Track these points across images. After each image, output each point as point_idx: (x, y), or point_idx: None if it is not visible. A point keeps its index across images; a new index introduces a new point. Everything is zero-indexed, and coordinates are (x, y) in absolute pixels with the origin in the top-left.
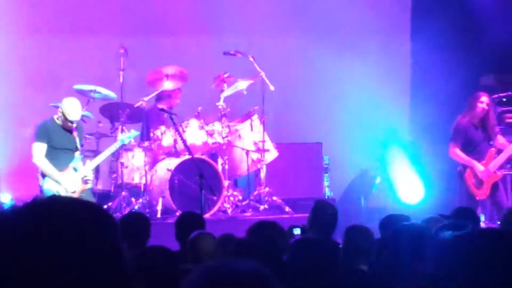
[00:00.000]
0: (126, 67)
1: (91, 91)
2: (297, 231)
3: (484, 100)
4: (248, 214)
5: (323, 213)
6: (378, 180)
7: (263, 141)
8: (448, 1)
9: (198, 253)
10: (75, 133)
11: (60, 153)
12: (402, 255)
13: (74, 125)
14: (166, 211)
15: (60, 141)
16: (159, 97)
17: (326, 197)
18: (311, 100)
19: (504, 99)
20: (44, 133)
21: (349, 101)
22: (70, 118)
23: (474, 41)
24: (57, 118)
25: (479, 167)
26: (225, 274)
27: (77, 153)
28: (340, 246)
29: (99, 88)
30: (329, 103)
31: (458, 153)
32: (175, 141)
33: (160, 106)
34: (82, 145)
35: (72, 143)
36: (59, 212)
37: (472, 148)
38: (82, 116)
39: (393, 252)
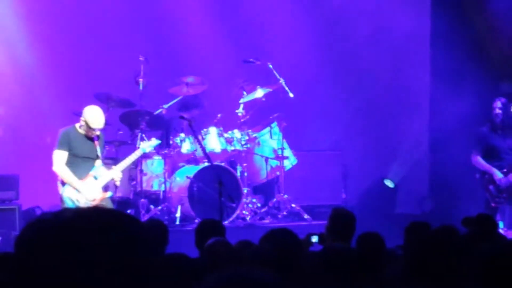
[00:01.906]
0: (146, 75)
1: (111, 99)
2: (315, 239)
3: (496, 105)
4: (267, 221)
5: (340, 220)
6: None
7: (282, 148)
8: (467, 8)
9: (215, 260)
10: (96, 142)
11: (81, 161)
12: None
13: (98, 133)
14: (185, 218)
15: (82, 149)
16: (183, 106)
17: (345, 204)
18: (331, 108)
19: None
20: (65, 141)
21: (368, 109)
22: (93, 126)
23: (493, 48)
24: (80, 127)
25: (498, 174)
26: (240, 282)
27: (97, 162)
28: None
29: (119, 96)
30: (348, 111)
31: (478, 161)
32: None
33: (181, 114)
34: (102, 153)
35: (93, 151)
36: (103, 223)
37: (494, 155)
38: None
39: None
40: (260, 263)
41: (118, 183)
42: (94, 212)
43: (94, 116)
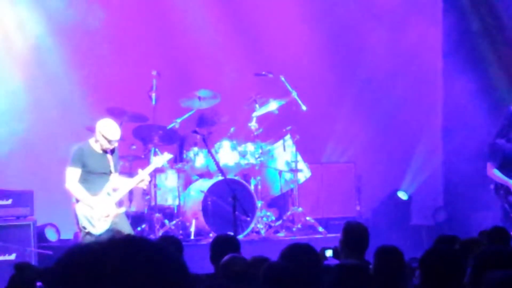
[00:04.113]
0: (158, 89)
1: (123, 113)
2: (329, 253)
3: None
4: (281, 234)
5: (354, 234)
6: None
7: (296, 161)
8: (481, 21)
9: (230, 277)
10: (109, 156)
11: (95, 177)
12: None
13: (116, 144)
14: (199, 232)
15: (96, 165)
16: (201, 121)
17: (359, 216)
18: (344, 120)
19: None
20: (79, 158)
21: (382, 121)
22: (110, 138)
23: (506, 58)
24: (96, 141)
25: None
26: None
27: (113, 176)
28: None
29: (131, 110)
30: (362, 123)
31: (495, 173)
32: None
33: (196, 129)
34: (117, 167)
35: (107, 167)
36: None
37: (511, 167)
38: None
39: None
40: (277, 279)
41: (145, 187)
42: (126, 244)
43: (109, 128)
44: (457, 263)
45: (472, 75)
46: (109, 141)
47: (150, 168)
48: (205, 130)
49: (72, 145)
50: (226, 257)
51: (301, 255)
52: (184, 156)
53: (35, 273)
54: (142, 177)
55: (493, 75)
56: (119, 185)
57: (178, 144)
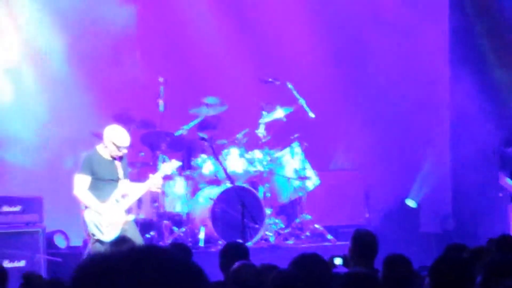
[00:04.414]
0: (166, 96)
1: (131, 120)
2: (338, 261)
3: None
4: (290, 242)
5: (363, 242)
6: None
7: (304, 169)
8: (487, 26)
9: (240, 284)
10: (117, 163)
11: (104, 184)
12: None
13: (125, 151)
14: (208, 240)
15: (105, 172)
16: (201, 126)
17: (368, 224)
18: (352, 128)
19: None
20: (88, 165)
21: (390, 128)
22: (120, 144)
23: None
24: (104, 147)
25: None
26: None
27: (123, 182)
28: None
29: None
30: (370, 131)
31: (507, 182)
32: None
33: (201, 134)
34: (126, 174)
35: (116, 173)
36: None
37: None
38: None
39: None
40: (286, 287)
41: (159, 190)
42: (142, 254)
43: (120, 134)
44: (466, 272)
45: (479, 81)
46: (118, 148)
47: (158, 175)
48: (208, 133)
49: (80, 151)
50: (235, 265)
51: (311, 264)
52: (192, 163)
53: (43, 283)
54: (154, 180)
55: (501, 80)
56: (130, 190)
57: (185, 151)
